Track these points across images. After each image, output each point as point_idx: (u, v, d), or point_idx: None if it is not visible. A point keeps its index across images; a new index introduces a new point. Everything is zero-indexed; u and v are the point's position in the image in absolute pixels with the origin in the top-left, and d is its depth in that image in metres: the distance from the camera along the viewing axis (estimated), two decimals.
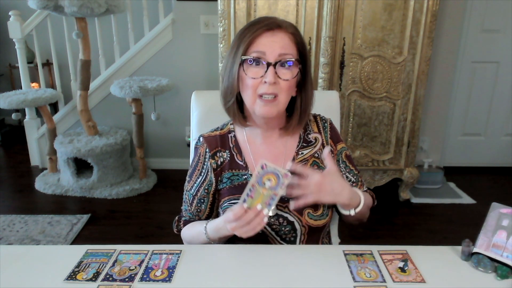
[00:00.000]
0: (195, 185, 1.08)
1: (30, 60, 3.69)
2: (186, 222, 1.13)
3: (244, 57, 0.96)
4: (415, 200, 2.83)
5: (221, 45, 2.41)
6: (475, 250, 0.91)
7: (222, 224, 0.95)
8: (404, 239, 2.41)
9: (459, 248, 0.94)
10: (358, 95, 2.52)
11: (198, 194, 1.08)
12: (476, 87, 3.17)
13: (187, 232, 1.11)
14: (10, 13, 2.98)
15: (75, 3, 2.49)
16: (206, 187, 1.07)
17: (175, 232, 1.15)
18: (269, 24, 0.96)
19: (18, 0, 3.55)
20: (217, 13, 2.36)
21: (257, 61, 0.95)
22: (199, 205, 1.09)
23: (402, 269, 0.88)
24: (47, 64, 3.87)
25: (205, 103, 1.30)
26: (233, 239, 1.04)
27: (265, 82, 0.94)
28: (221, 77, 1.04)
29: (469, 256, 0.91)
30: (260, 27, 0.96)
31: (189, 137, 2.77)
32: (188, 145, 3.07)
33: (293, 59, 0.96)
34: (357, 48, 2.43)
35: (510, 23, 2.99)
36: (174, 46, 3.10)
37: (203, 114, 1.30)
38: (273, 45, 0.95)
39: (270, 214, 0.89)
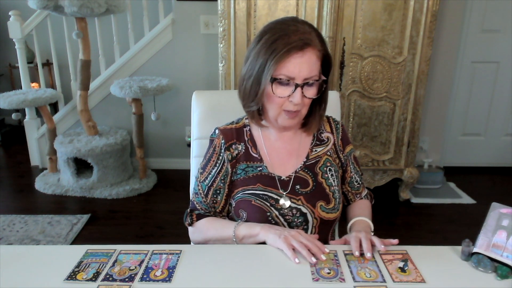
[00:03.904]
0: (210, 176, 1.09)
1: (30, 60, 3.69)
2: (200, 216, 1.11)
3: (273, 78, 0.97)
4: (415, 200, 2.83)
5: (221, 45, 2.41)
6: (475, 250, 0.91)
7: (263, 238, 0.98)
8: (404, 239, 2.39)
9: (459, 248, 0.94)
10: (358, 95, 2.52)
11: (214, 185, 1.09)
12: (476, 87, 3.17)
13: (204, 228, 1.09)
14: (10, 13, 2.98)
15: (75, 3, 2.49)
16: (222, 178, 1.08)
17: (187, 225, 1.13)
18: (301, 41, 0.95)
19: (18, 0, 3.55)
20: (217, 13, 2.36)
21: (286, 82, 0.97)
22: (215, 196, 1.09)
23: (402, 269, 0.88)
24: (47, 64, 3.87)
25: (206, 103, 1.31)
26: None
27: (291, 101, 0.98)
28: (243, 80, 1.03)
29: (469, 256, 0.91)
30: (292, 46, 0.94)
31: (189, 137, 2.77)
32: (188, 145, 3.07)
33: (319, 80, 1.00)
34: (357, 48, 2.43)
35: (510, 23, 2.99)
36: (174, 46, 3.10)
37: (203, 114, 1.30)
38: (301, 67, 0.96)
39: (286, 206, 1.04)
